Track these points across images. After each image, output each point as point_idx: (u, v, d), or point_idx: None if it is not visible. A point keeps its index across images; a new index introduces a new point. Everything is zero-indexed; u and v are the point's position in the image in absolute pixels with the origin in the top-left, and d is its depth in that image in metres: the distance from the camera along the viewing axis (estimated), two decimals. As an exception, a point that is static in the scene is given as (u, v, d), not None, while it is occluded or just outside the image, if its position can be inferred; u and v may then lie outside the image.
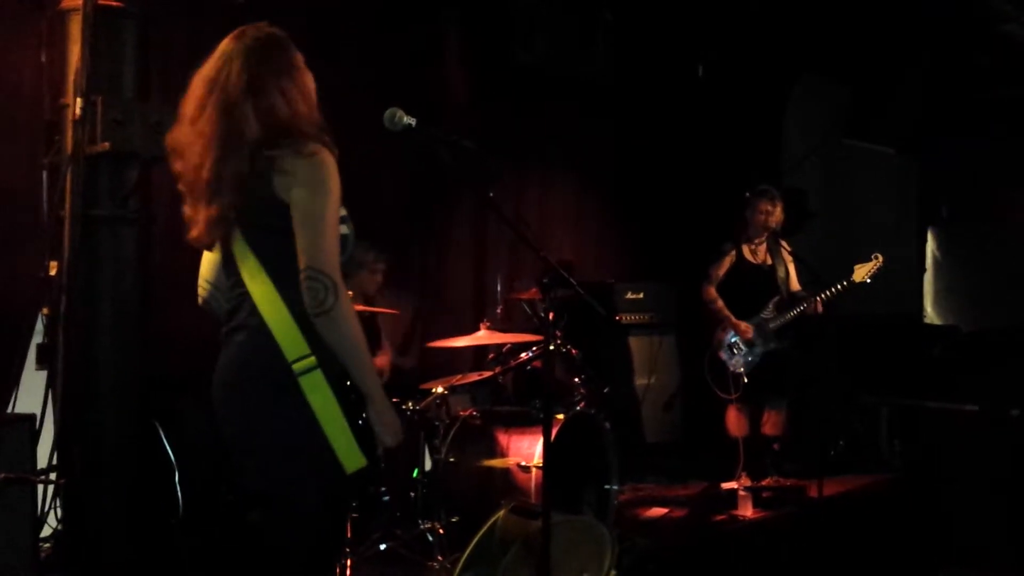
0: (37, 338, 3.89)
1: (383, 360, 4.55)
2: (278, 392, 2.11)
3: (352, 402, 2.15)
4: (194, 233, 2.24)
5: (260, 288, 2.15)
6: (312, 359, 2.10)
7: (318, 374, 2.09)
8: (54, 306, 3.72)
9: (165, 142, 2.30)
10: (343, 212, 2.23)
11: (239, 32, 2.28)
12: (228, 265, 2.27)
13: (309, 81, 2.30)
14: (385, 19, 5.30)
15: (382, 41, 5.28)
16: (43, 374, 3.77)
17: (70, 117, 3.67)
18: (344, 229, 2.23)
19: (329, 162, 2.17)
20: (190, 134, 2.21)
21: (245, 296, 2.19)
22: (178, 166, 2.25)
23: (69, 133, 3.68)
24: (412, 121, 2.51)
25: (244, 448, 2.19)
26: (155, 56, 4.01)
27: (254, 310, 2.16)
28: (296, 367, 2.09)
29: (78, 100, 3.63)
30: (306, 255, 2.10)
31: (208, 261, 2.39)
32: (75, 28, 3.72)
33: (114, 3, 3.76)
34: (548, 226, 6.57)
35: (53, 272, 3.75)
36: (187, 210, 2.26)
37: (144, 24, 3.89)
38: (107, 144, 3.61)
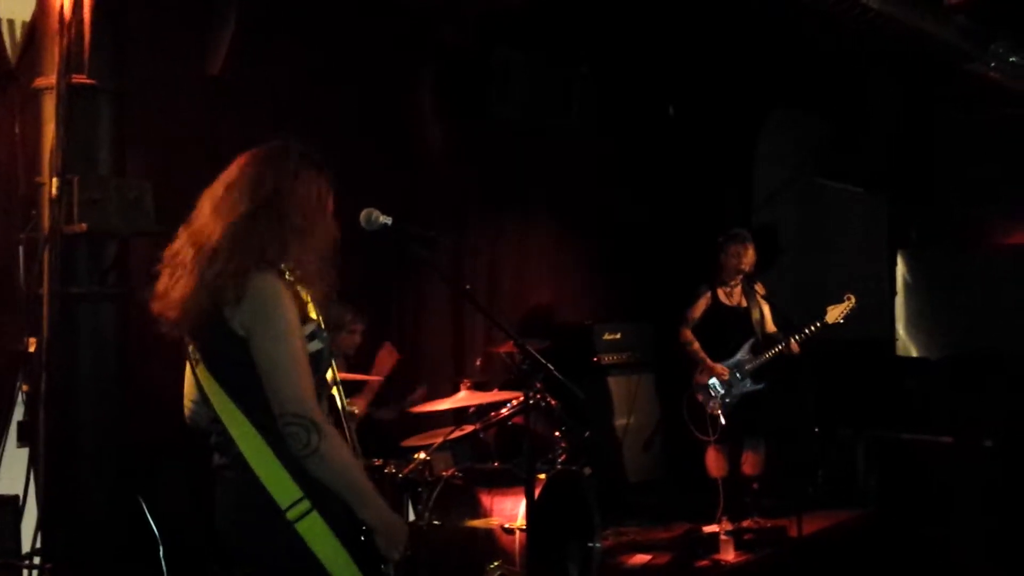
0: (17, 413, 3.89)
1: (360, 402, 4.49)
2: (279, 532, 2.04)
3: (353, 525, 2.11)
4: (171, 315, 2.13)
5: (240, 432, 2.06)
6: (306, 503, 2.03)
7: (314, 516, 2.03)
8: (34, 384, 3.72)
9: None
10: (311, 327, 2.16)
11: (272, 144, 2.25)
12: (199, 388, 2.17)
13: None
14: (366, 75, 5.35)
15: (365, 93, 5.34)
16: (24, 451, 3.77)
17: (46, 196, 3.68)
18: (316, 345, 2.15)
19: (277, 290, 2.07)
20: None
21: (226, 433, 2.10)
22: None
23: (46, 212, 3.69)
24: (388, 220, 2.57)
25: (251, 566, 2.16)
26: (131, 131, 4.01)
27: (239, 457, 2.06)
28: (290, 515, 2.02)
29: (54, 180, 3.64)
30: (278, 401, 2.01)
31: (191, 380, 2.32)
32: (49, 107, 3.73)
33: (87, 81, 3.77)
34: (526, 269, 6.61)
35: (32, 348, 3.76)
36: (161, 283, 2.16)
37: (119, 100, 3.90)
38: (84, 225, 3.63)
